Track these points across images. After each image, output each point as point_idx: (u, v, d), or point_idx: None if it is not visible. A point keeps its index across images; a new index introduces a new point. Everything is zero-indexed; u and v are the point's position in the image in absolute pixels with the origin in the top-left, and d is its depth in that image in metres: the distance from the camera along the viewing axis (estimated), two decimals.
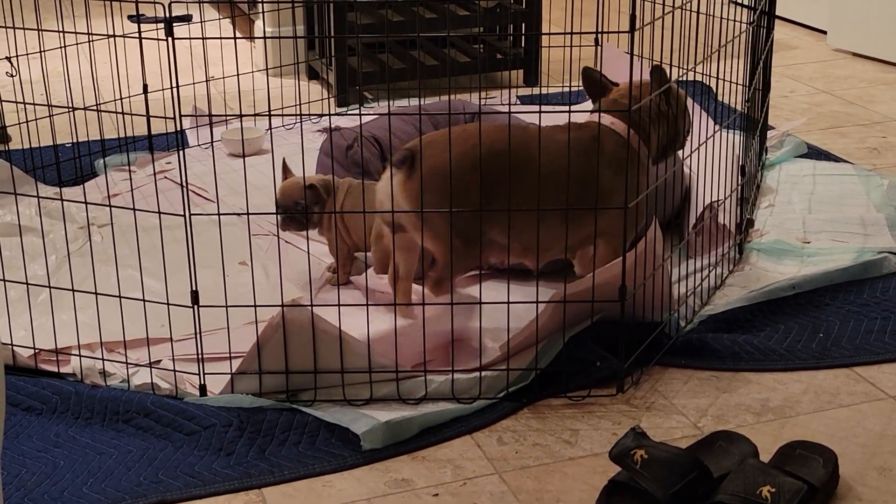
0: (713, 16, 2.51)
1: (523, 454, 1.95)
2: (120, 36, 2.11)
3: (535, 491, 1.86)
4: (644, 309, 2.19)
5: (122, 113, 2.06)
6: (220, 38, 1.81)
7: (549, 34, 1.96)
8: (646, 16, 2.07)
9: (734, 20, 2.59)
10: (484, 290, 2.34)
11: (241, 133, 2.82)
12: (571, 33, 2.01)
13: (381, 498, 1.85)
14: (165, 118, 1.94)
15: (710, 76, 2.82)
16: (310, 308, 2.03)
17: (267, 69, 2.66)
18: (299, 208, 2.37)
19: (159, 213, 2.03)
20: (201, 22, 2.08)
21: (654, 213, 2.23)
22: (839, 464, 1.85)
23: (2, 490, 1.29)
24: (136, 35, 1.98)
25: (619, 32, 2.02)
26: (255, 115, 1.89)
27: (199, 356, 2.07)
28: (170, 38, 1.89)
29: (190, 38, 1.83)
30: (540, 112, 2.11)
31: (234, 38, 1.80)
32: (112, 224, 2.32)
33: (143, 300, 2.09)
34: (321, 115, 3.12)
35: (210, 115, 1.88)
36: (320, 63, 3.90)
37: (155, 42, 1.99)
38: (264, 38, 2.74)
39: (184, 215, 1.99)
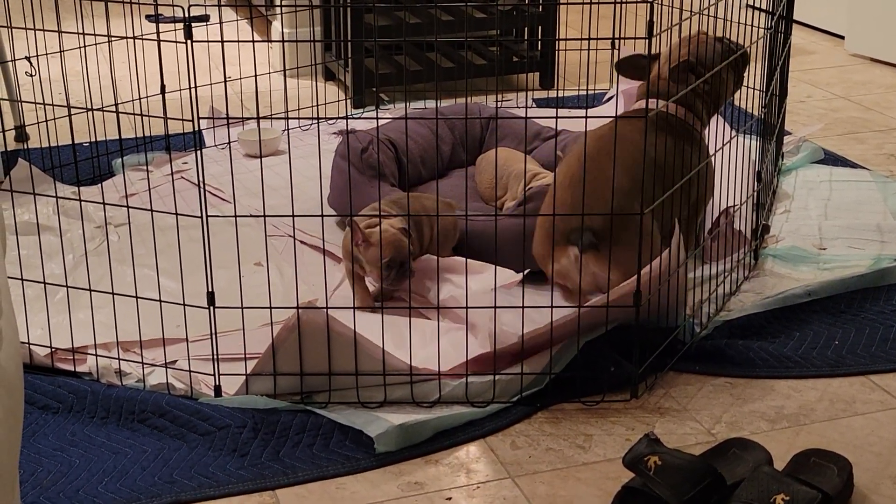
0: (731, 21, 2.50)
1: (536, 459, 1.95)
2: (139, 38, 2.12)
3: (548, 496, 1.86)
4: (659, 314, 2.19)
5: (140, 115, 2.06)
6: (238, 40, 1.82)
7: (567, 39, 1.95)
8: (663, 21, 2.07)
9: (752, 25, 2.59)
10: (498, 294, 2.34)
11: (257, 134, 2.83)
12: (588, 39, 2.00)
13: (394, 501, 1.85)
14: (183, 120, 1.95)
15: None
16: (325, 310, 2.03)
17: (284, 70, 2.66)
18: (407, 263, 2.29)
19: (176, 214, 2.04)
20: (219, 23, 2.08)
21: (672, 217, 2.23)
22: (854, 472, 1.85)
23: (19, 488, 1.30)
24: (155, 37, 1.99)
25: (635, 38, 2.02)
26: (272, 116, 1.90)
27: (215, 357, 2.08)
28: (188, 42, 1.90)
29: (208, 41, 1.83)
30: (557, 116, 2.11)
31: (252, 41, 1.80)
32: (129, 224, 2.33)
33: (160, 300, 2.10)
34: (337, 118, 3.13)
35: (227, 118, 1.89)
36: (337, 64, 3.91)
37: (173, 42, 1.99)
38: (282, 41, 2.75)
39: (201, 217, 2.00)
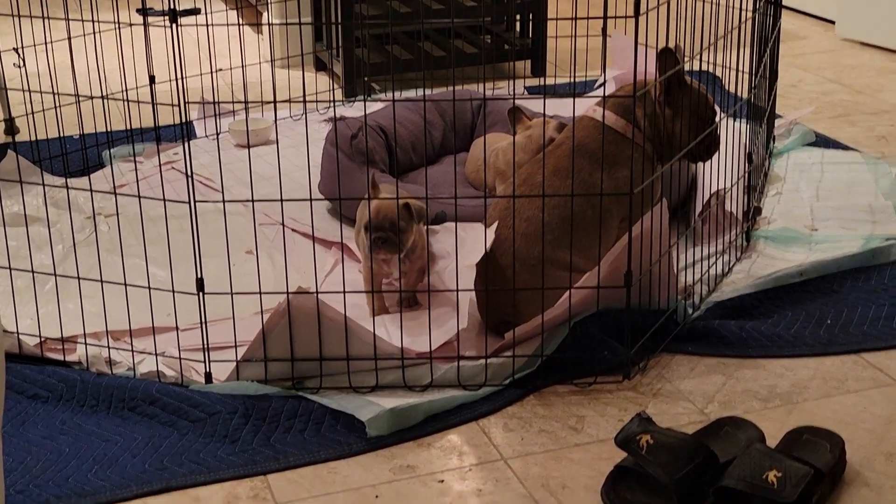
0: (720, 4, 2.49)
1: (529, 441, 1.95)
2: (126, 24, 2.11)
3: (541, 477, 1.85)
4: (651, 296, 2.18)
5: (128, 100, 2.05)
6: (226, 24, 1.81)
7: (556, 19, 1.95)
8: (651, 1, 2.06)
9: (741, 9, 2.58)
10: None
11: (247, 124, 2.82)
12: (576, 18, 2.00)
13: (386, 484, 1.85)
14: (172, 105, 1.94)
15: (717, 65, 2.81)
16: (315, 295, 2.03)
17: (273, 60, 2.65)
18: (396, 230, 2.18)
19: (164, 200, 2.03)
20: (207, 13, 2.08)
21: (662, 197, 2.22)
22: (846, 449, 1.84)
23: (2, 473, 1.29)
24: (142, 23, 1.98)
25: (625, 17, 2.01)
26: (262, 101, 1.89)
27: (205, 344, 2.07)
28: (174, 25, 1.89)
29: (196, 25, 1.82)
30: (545, 98, 2.10)
31: (239, 24, 1.79)
32: (118, 214, 2.32)
33: (149, 287, 2.09)
34: (328, 101, 3.11)
35: (216, 103, 1.88)
36: (328, 54, 3.90)
37: (162, 35, 1.98)
38: (269, 24, 2.74)
39: (188, 202, 1.99)
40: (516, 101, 2.66)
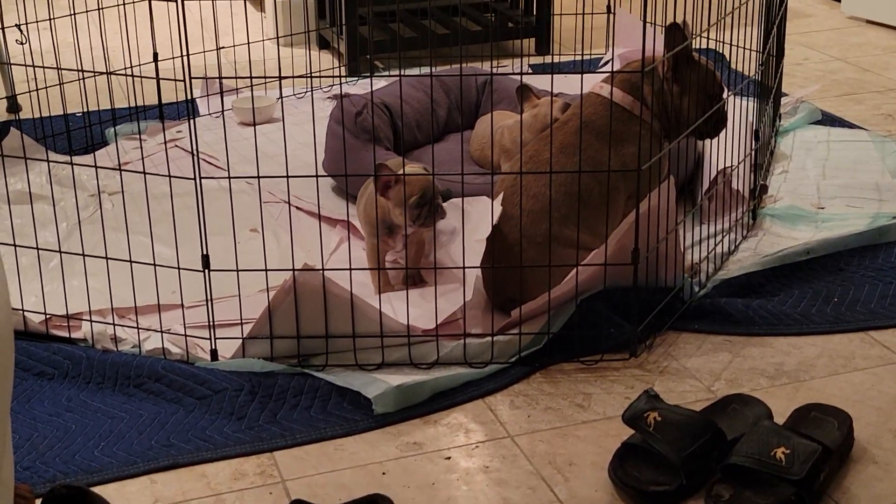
0: None
1: (536, 418, 1.94)
2: (129, 1, 2.10)
3: (548, 454, 1.85)
4: (657, 274, 2.17)
5: (133, 76, 2.04)
6: None
7: None
8: None
9: None
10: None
11: (251, 102, 2.81)
12: None
13: (393, 461, 1.84)
14: (175, 80, 1.93)
15: (723, 42, 2.80)
16: (321, 272, 2.02)
17: (277, 37, 2.64)
18: (438, 199, 2.18)
19: (169, 176, 2.02)
20: None
21: (669, 174, 2.21)
22: (854, 426, 1.84)
23: (11, 445, 1.29)
24: (146, 4, 1.97)
25: None
26: (265, 77, 1.88)
27: (211, 321, 2.06)
28: (178, 1, 1.88)
29: None
30: (552, 75, 2.08)
31: None
32: (123, 192, 2.31)
33: (154, 264, 2.08)
34: (333, 77, 3.10)
35: (220, 77, 1.87)
36: (331, 32, 3.88)
37: (165, 13, 1.96)
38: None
39: (194, 179, 1.98)
40: (524, 79, 2.65)
